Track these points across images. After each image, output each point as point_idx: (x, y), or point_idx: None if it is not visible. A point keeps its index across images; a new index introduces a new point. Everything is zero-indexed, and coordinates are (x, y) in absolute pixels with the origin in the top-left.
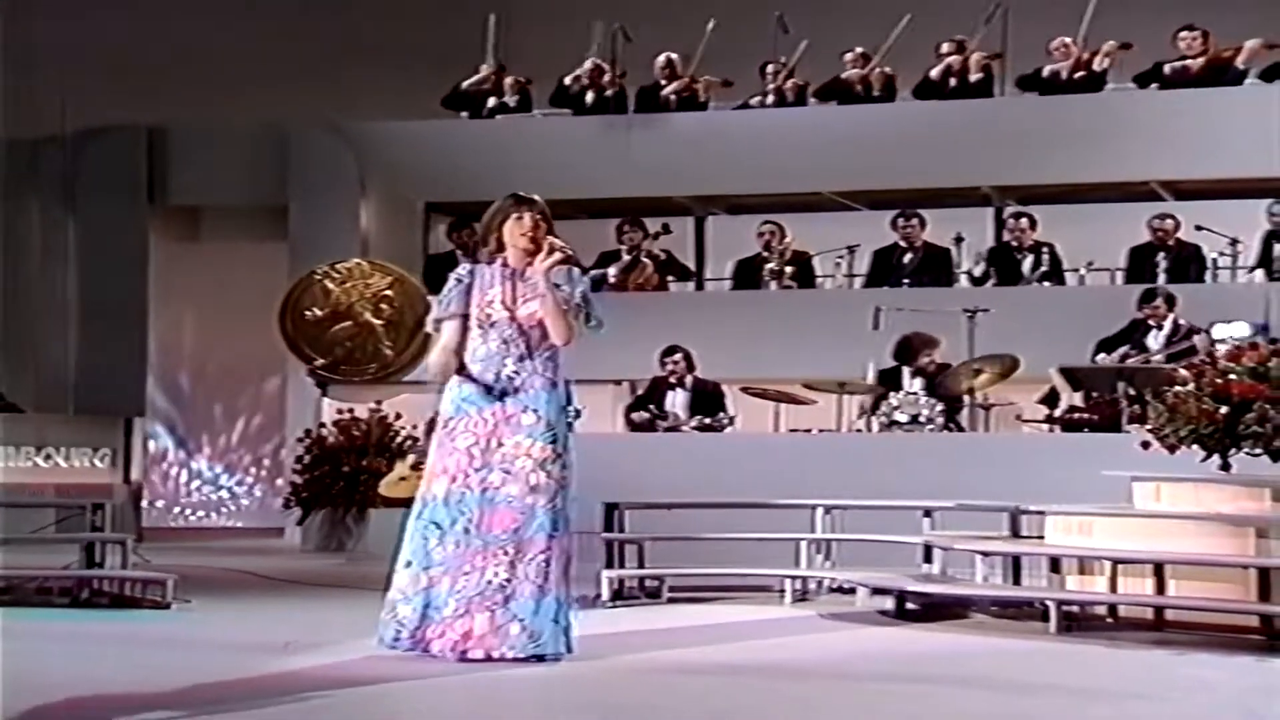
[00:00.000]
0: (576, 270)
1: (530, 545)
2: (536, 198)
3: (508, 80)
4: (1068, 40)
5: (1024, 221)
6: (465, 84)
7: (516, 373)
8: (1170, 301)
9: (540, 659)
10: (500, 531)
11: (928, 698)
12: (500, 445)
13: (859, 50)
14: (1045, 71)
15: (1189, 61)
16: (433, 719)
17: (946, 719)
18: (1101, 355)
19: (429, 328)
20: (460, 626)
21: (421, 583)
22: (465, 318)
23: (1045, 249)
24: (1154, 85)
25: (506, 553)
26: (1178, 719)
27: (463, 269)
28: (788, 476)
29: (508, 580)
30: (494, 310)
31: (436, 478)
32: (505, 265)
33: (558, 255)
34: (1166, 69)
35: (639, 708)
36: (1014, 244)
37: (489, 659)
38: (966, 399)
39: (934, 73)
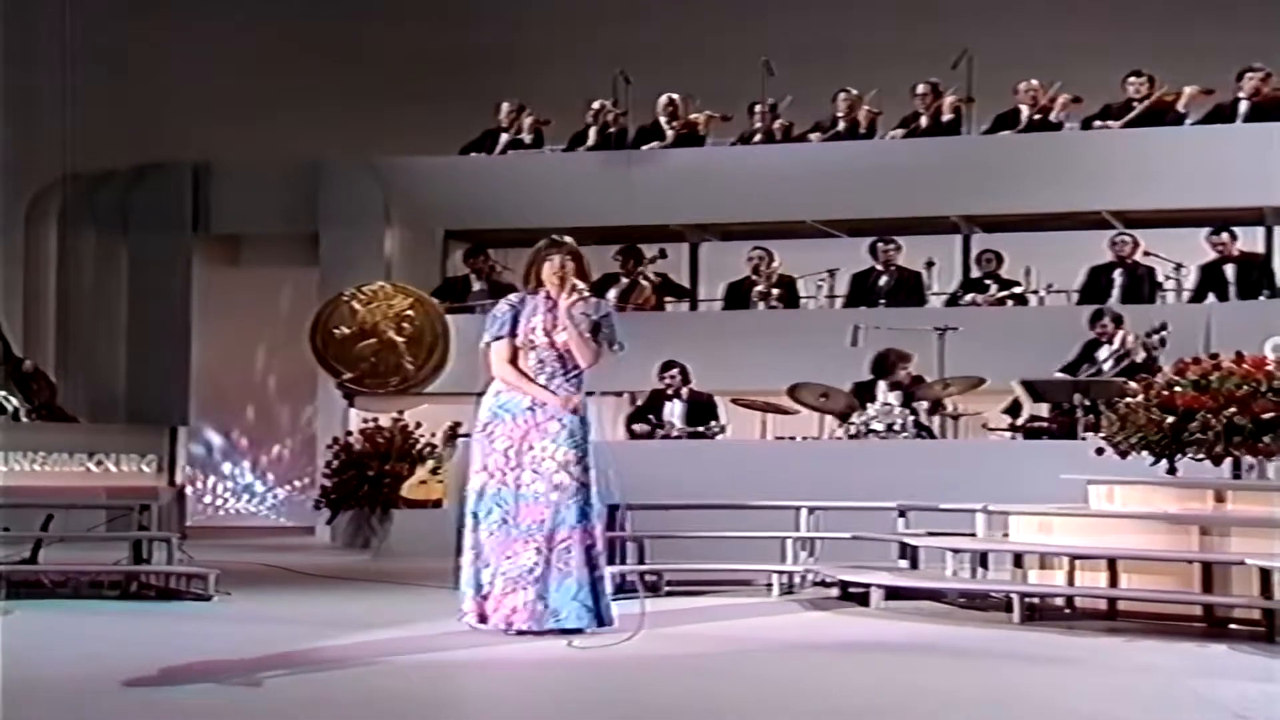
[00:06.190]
0: (598, 301)
1: (555, 535)
2: (568, 240)
3: (527, 119)
4: (1034, 84)
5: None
6: (468, 148)
7: (545, 387)
8: (1118, 321)
9: (564, 632)
10: (532, 523)
11: (900, 677)
12: (531, 448)
13: (854, 92)
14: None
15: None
16: (447, 695)
17: (916, 695)
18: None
19: (482, 345)
20: (509, 603)
21: (471, 566)
22: (513, 337)
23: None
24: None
25: (537, 541)
26: (1128, 698)
27: (515, 297)
28: (774, 480)
29: (535, 564)
30: (535, 336)
31: (477, 474)
32: (547, 297)
33: (575, 297)
34: (1096, 123)
35: (637, 689)
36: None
37: (522, 632)
38: (940, 407)
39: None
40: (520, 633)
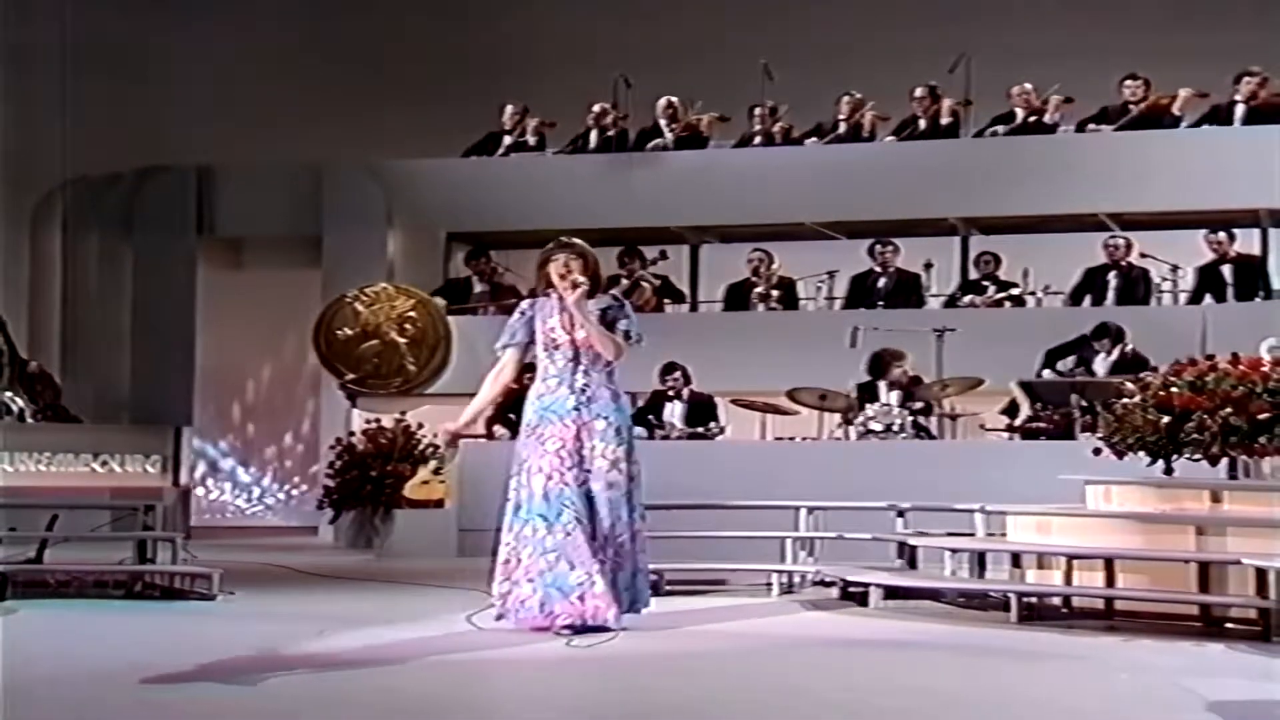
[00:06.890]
0: (601, 296)
1: (614, 531)
2: (576, 241)
3: (531, 122)
4: (1028, 87)
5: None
6: (471, 150)
7: (586, 385)
8: (1118, 337)
9: (627, 613)
10: (603, 524)
11: (899, 677)
12: (582, 448)
13: (858, 95)
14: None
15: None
16: (450, 694)
17: (915, 694)
18: (1047, 371)
19: (496, 350)
20: (590, 599)
21: (540, 566)
22: (527, 345)
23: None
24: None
25: (607, 538)
26: (1126, 698)
27: (526, 304)
28: (774, 480)
29: (607, 562)
30: (557, 335)
31: (534, 476)
32: (560, 299)
33: (579, 292)
34: (1092, 126)
35: (637, 689)
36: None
37: (605, 628)
38: (938, 406)
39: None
40: (604, 628)
